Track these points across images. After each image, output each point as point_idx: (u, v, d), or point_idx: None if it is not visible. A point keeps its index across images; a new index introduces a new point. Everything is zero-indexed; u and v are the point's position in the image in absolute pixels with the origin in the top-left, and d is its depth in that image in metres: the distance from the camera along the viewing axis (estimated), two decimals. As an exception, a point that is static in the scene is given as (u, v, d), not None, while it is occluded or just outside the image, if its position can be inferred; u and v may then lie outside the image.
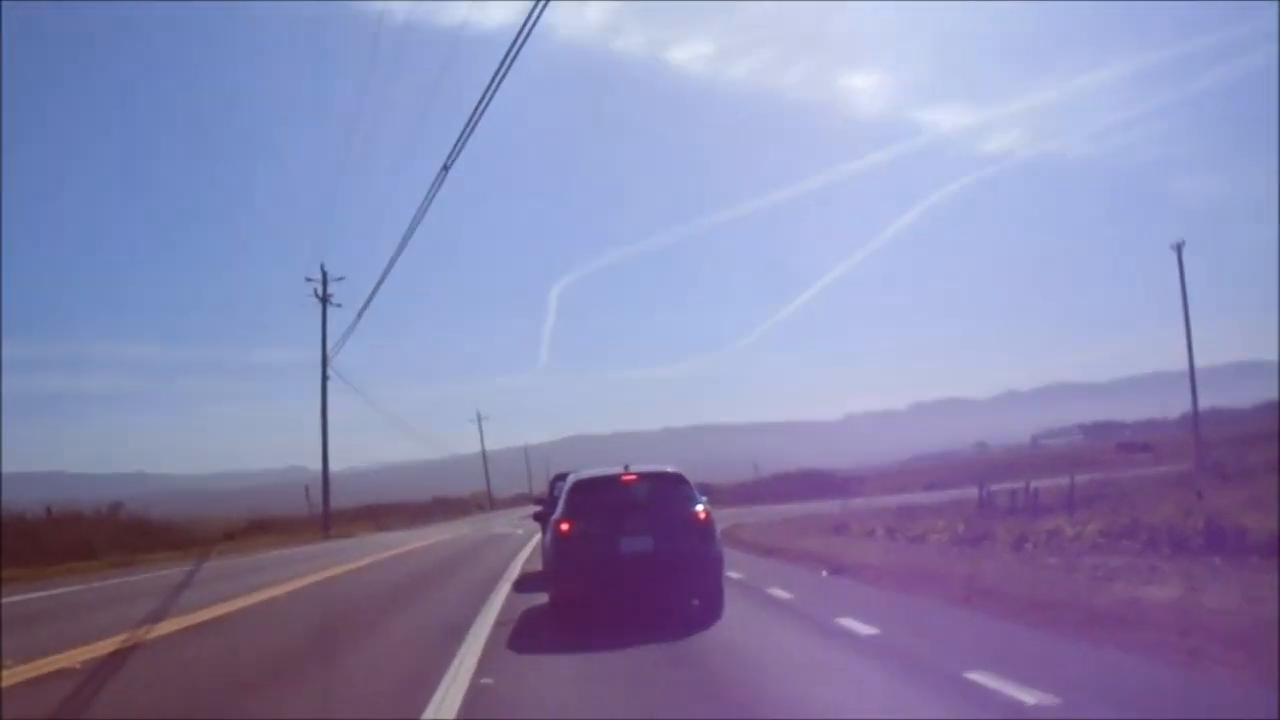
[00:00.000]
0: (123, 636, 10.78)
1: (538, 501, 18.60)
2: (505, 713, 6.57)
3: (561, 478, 14.17)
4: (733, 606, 10.43)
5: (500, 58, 12.04)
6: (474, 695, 6.79)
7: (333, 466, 49.58)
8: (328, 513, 48.37)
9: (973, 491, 27.22)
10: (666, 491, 10.55)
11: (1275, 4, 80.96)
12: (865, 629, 8.60)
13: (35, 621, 13.91)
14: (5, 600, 17.08)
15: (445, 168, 16.12)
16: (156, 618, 12.82)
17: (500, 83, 12.41)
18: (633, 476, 10.63)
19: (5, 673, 8.54)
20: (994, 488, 26.83)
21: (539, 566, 14.39)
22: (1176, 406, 79.37)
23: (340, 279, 48.14)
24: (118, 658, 9.49)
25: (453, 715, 6.27)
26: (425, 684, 7.12)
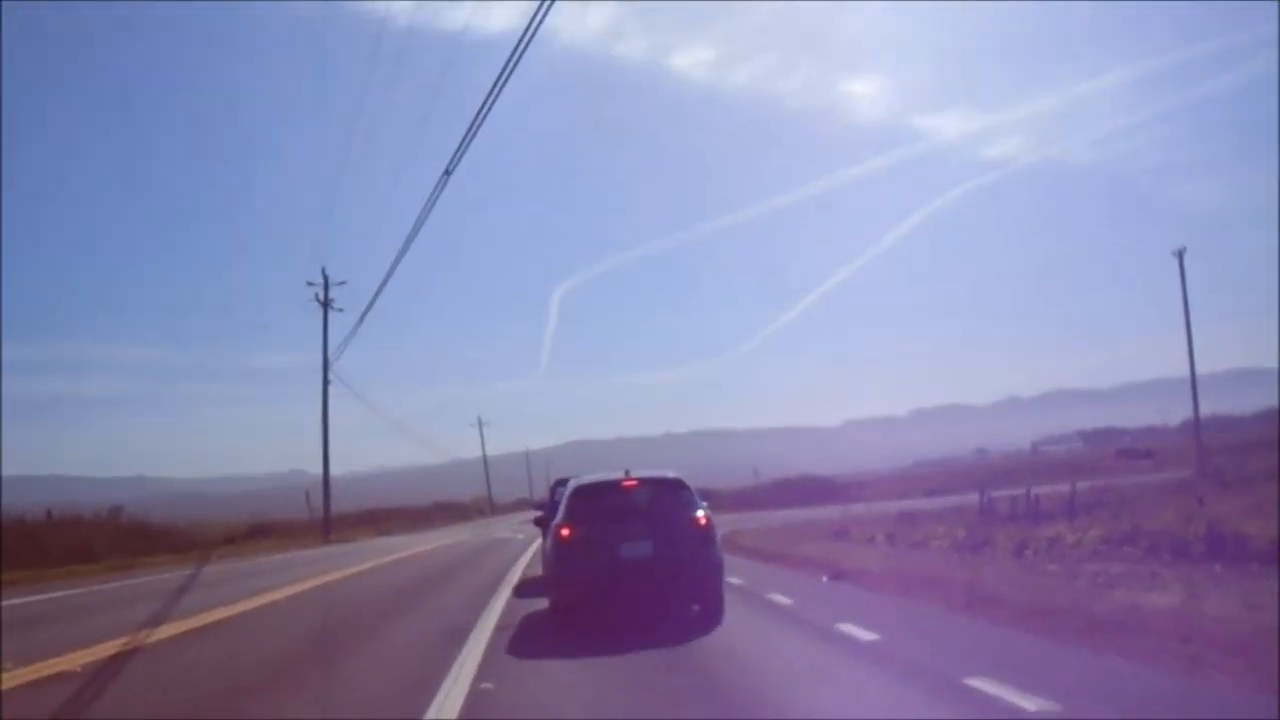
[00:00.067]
0: (123, 640, 10.79)
1: (538, 506, 18.59)
2: (505, 717, 6.58)
3: (562, 483, 14.17)
4: (733, 612, 10.43)
5: (502, 62, 12.09)
6: (474, 700, 6.79)
7: (333, 471, 49.61)
8: (328, 517, 48.37)
9: (973, 498, 27.15)
10: (667, 497, 10.56)
11: (1277, 10, 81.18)
12: (865, 635, 8.60)
13: (35, 624, 13.93)
14: (5, 603, 17.09)
15: (447, 172, 16.15)
16: (157, 621, 12.83)
17: (502, 87, 12.45)
18: (633, 482, 10.64)
19: (5, 675, 8.55)
20: (995, 494, 26.75)
21: (539, 571, 14.39)
22: (1177, 413, 79.37)
23: (342, 283, 48.25)
24: (118, 661, 9.50)
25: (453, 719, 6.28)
26: (425, 689, 7.12)
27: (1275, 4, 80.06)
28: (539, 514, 16.29)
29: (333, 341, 48.08)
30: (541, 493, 43.36)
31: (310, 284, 48.33)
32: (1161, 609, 8.44)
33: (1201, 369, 50.45)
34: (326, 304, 47.98)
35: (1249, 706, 5.58)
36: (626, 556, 9.80)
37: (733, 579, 12.71)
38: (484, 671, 7.82)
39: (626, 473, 10.76)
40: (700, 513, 10.29)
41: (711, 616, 10.11)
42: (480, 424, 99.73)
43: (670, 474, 10.99)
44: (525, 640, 9.75)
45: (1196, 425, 50.72)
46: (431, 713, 6.43)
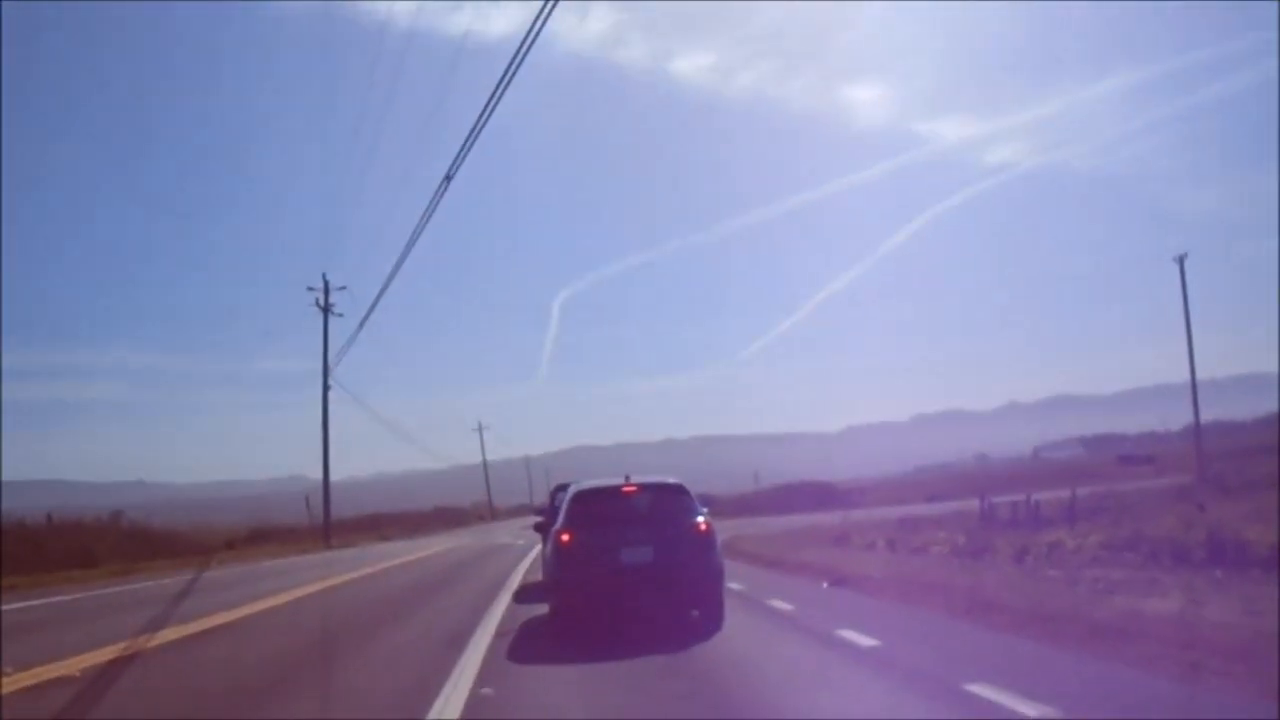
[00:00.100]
0: (123, 644, 10.79)
1: (539, 512, 18.62)
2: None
3: (563, 488, 14.17)
4: (733, 618, 10.42)
5: (503, 68, 12.12)
6: (474, 705, 6.79)
7: (334, 476, 49.56)
8: (329, 522, 48.33)
9: (974, 503, 27.16)
10: (667, 502, 10.55)
11: (1276, 18, 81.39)
12: (866, 640, 8.59)
13: (35, 629, 13.93)
14: (5, 607, 17.10)
15: (448, 177, 16.18)
16: (157, 626, 12.83)
17: (503, 93, 12.47)
18: (634, 487, 10.64)
19: (5, 680, 8.54)
20: (995, 500, 26.74)
21: (539, 577, 14.37)
22: (1178, 419, 79.25)
23: (342, 288, 48.18)
24: (118, 666, 9.50)
25: (453, 724, 6.28)
26: (426, 693, 7.12)
27: (1277, 11, 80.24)
28: (539, 519, 16.28)
29: (333, 347, 48.07)
30: (542, 498, 43.37)
31: (311, 289, 48.35)
32: (1162, 615, 8.44)
33: (1202, 374, 50.58)
34: (327, 309, 47.96)
35: (1249, 712, 5.58)
36: (627, 562, 9.80)
37: (733, 584, 12.71)
38: (484, 677, 7.81)
39: (627, 478, 10.76)
40: (701, 519, 10.28)
41: (712, 622, 10.10)
42: (481, 429, 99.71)
43: (671, 480, 10.98)
44: (525, 645, 9.74)
45: (1197, 431, 50.72)
46: (432, 717, 6.43)
